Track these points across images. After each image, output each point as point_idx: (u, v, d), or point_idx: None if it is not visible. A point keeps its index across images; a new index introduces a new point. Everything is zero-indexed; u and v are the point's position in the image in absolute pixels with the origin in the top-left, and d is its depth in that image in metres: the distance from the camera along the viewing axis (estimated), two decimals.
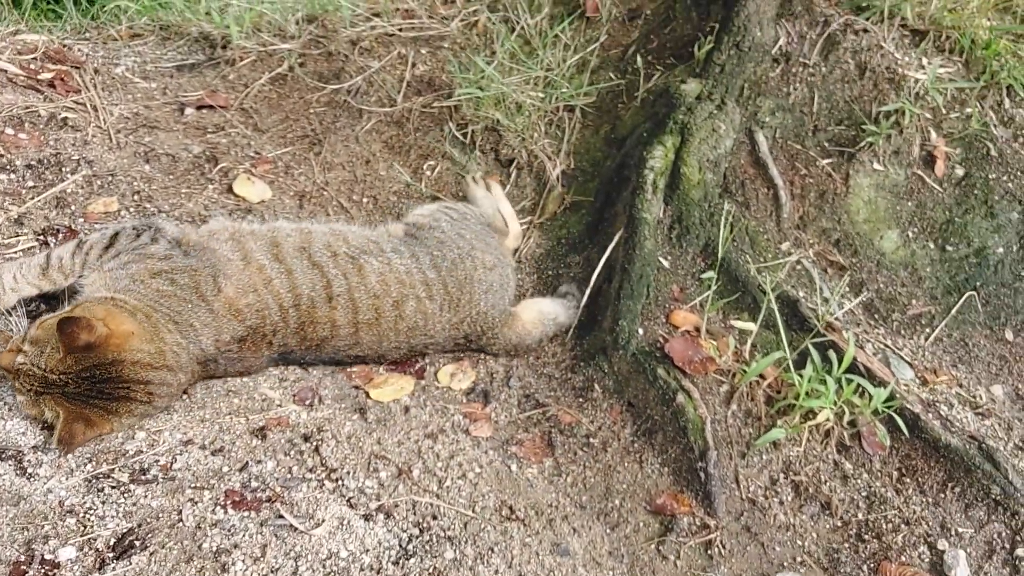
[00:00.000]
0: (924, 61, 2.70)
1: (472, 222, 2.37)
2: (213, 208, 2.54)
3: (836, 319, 2.35)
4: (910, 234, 2.64)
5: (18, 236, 2.24)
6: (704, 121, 2.57)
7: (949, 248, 2.62)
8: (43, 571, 1.45)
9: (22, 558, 1.47)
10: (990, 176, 2.64)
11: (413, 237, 2.24)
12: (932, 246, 2.63)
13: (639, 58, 2.91)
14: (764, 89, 2.70)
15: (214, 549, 1.56)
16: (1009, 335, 2.57)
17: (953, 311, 2.55)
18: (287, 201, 2.67)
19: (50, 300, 2.08)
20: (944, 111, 2.65)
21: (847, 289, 2.52)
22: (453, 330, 2.23)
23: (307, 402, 2.06)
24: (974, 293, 2.57)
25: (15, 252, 2.18)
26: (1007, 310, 2.59)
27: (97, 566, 1.49)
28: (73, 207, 2.38)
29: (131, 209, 2.45)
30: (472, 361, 2.32)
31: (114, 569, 1.48)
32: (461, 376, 2.26)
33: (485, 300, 2.24)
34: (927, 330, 2.53)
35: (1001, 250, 2.61)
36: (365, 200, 2.76)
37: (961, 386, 2.38)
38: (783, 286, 2.41)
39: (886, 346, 2.41)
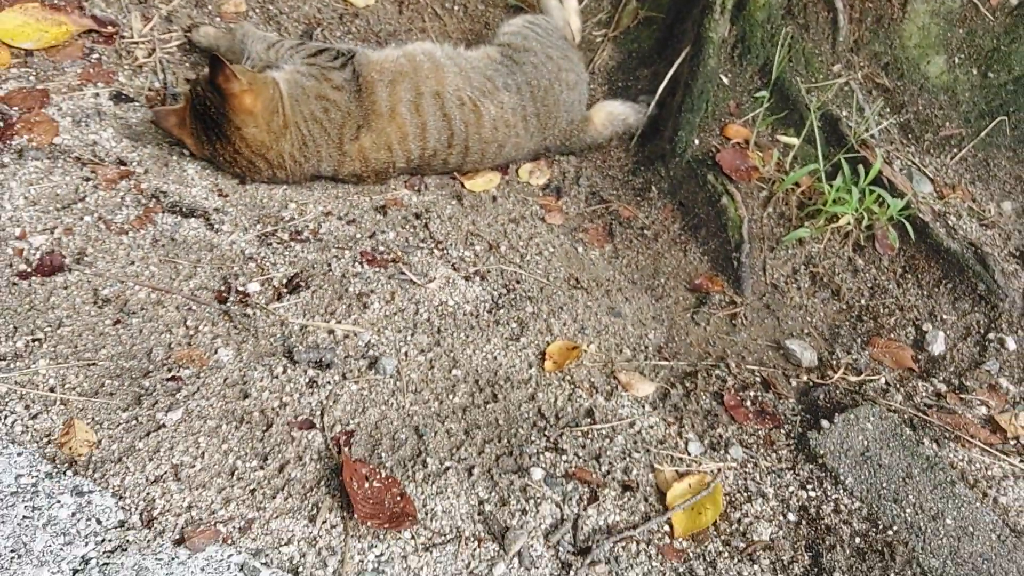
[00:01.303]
0: None
1: (555, 37, 2.67)
2: (325, 12, 2.88)
3: (871, 136, 2.66)
4: (956, 60, 2.86)
5: (169, 32, 2.63)
6: None
7: (991, 75, 2.84)
8: (238, 298, 2.00)
9: (222, 287, 2.02)
10: None
11: (512, 60, 2.55)
12: (975, 72, 2.85)
13: None
14: None
15: (357, 292, 2.09)
16: None
17: (982, 134, 2.83)
18: (388, 7, 2.98)
19: None
20: None
21: (887, 110, 2.80)
22: (537, 146, 2.63)
23: (416, 188, 2.51)
24: (1005, 118, 2.83)
25: (170, 47, 2.59)
26: None
27: (276, 297, 2.03)
28: (209, 6, 2.75)
29: (256, 10, 2.80)
30: (548, 161, 2.72)
31: (288, 300, 2.02)
32: (538, 173, 2.68)
33: (566, 118, 2.62)
34: (955, 150, 2.83)
35: None
36: (456, 8, 3.05)
37: (975, 201, 2.72)
38: (828, 105, 2.70)
39: (913, 163, 2.73)
